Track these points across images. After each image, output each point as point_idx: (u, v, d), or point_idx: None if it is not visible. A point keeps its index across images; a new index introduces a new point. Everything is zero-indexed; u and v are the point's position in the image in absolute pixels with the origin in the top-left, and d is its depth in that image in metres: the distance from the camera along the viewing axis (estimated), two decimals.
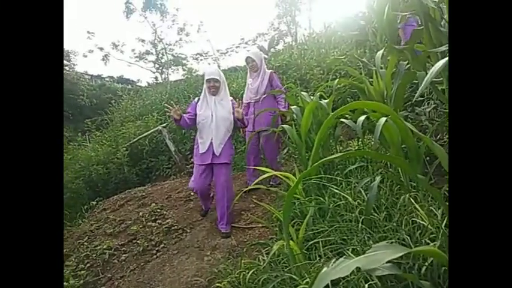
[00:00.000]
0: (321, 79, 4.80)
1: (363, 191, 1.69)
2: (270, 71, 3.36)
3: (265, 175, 1.88)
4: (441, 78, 1.93)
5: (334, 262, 0.68)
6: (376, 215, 1.59)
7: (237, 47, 15.99)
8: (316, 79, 4.83)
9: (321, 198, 1.88)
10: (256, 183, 2.08)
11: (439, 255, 0.81)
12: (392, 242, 1.40)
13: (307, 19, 16.60)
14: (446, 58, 0.85)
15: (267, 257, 1.82)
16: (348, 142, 2.91)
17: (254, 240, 2.54)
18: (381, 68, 2.26)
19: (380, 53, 1.95)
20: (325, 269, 0.67)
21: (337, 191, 1.75)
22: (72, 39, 28.17)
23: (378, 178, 1.48)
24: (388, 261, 1.03)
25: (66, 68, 15.58)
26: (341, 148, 2.88)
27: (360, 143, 2.69)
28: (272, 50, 11.79)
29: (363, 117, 1.48)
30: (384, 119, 1.38)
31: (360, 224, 1.53)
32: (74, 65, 17.05)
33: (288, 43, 11.51)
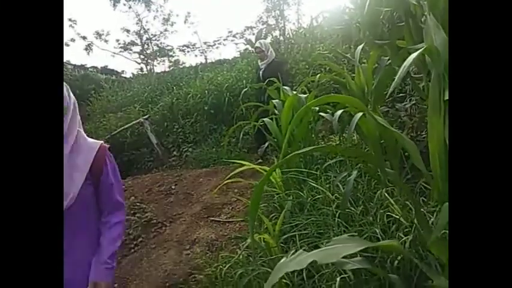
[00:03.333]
0: (306, 74, 4.80)
1: (340, 186, 1.70)
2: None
3: (242, 168, 1.86)
4: (421, 75, 1.95)
5: (292, 254, 0.67)
6: (353, 209, 1.59)
7: (224, 39, 15.80)
8: (301, 73, 4.83)
9: (300, 192, 1.88)
10: (236, 177, 2.06)
11: (399, 249, 0.81)
12: (365, 236, 1.41)
13: (296, 13, 16.57)
14: (416, 52, 0.85)
15: (245, 251, 1.81)
16: (330, 137, 2.92)
17: (234, 234, 2.52)
18: (363, 63, 2.26)
19: (360, 47, 1.94)
20: (283, 260, 0.66)
21: (315, 185, 1.75)
22: None
23: (355, 173, 1.49)
24: (360, 255, 1.03)
25: None
26: (322, 142, 2.89)
27: (341, 137, 2.70)
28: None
29: (339, 112, 1.47)
30: (360, 114, 1.38)
31: (336, 218, 1.53)
32: None
33: (276, 37, 11.45)
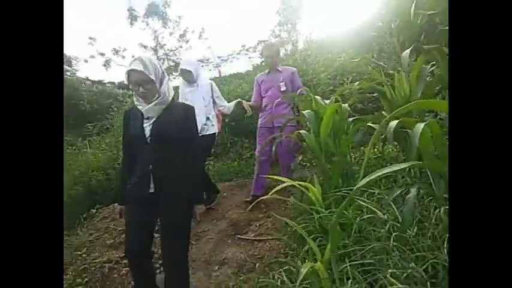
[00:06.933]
0: (328, 84, 4.68)
1: (393, 204, 1.53)
2: None
3: (282, 185, 1.72)
4: None
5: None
6: (408, 231, 1.42)
7: (238, 53, 15.97)
8: (323, 84, 4.71)
9: (344, 211, 1.71)
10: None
11: None
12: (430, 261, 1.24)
13: (308, 26, 16.62)
14: None
15: (283, 273, 1.65)
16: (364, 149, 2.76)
17: (265, 253, 2.37)
18: (399, 70, 2.12)
19: (407, 52, 1.80)
20: None
21: (363, 203, 1.59)
22: (74, 45, 28.22)
23: (414, 190, 1.32)
24: None
25: (68, 73, 15.44)
26: (355, 156, 2.72)
27: (377, 149, 2.53)
28: None
29: (395, 122, 1.32)
30: (421, 126, 1.23)
31: (391, 242, 1.37)
32: (75, 70, 16.91)
33: (292, 49, 11.44)
